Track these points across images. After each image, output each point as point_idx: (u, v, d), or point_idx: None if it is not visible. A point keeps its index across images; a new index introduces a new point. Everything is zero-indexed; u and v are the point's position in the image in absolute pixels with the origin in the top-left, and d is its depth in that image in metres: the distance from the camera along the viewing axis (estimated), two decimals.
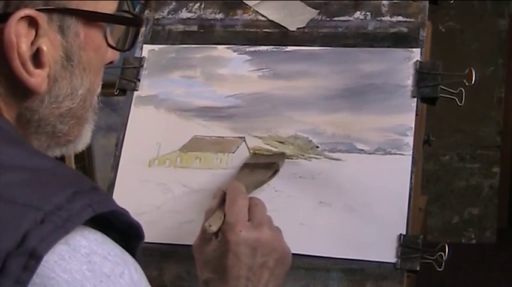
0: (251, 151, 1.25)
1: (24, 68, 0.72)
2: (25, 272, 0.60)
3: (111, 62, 0.85)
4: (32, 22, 0.72)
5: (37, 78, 0.73)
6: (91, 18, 0.76)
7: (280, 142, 1.25)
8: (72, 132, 0.81)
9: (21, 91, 0.74)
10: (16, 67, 0.72)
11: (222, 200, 1.05)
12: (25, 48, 0.72)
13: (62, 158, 1.98)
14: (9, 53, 0.71)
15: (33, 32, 0.72)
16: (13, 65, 0.72)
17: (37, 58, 0.73)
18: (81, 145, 0.85)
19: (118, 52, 0.85)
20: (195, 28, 1.39)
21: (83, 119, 0.82)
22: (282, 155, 1.22)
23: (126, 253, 0.69)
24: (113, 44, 0.81)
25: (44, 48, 0.73)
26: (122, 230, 0.70)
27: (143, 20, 0.70)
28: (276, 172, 1.20)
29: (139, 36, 1.39)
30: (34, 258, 0.61)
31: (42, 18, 0.72)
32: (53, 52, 0.74)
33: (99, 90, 0.84)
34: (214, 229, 1.00)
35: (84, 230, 0.66)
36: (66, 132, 0.80)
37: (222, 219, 1.01)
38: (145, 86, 1.35)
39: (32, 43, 0.72)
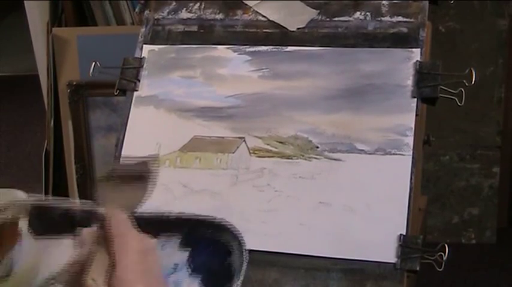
0: None
1: None
2: None
3: None
4: None
5: None
6: None
7: (280, 142, 1.25)
8: None
9: None
10: None
11: (98, 239, 0.72)
12: None
13: (61, 158, 1.98)
14: None
15: None
16: None
17: None
18: None
19: None
20: (195, 28, 1.39)
21: None
22: (156, 160, 0.83)
23: None
24: None
25: None
26: None
27: None
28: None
29: (140, 37, 1.39)
30: None
31: None
32: None
33: None
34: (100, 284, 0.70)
35: None
36: None
37: (107, 269, 0.70)
38: (145, 86, 1.35)
39: None
